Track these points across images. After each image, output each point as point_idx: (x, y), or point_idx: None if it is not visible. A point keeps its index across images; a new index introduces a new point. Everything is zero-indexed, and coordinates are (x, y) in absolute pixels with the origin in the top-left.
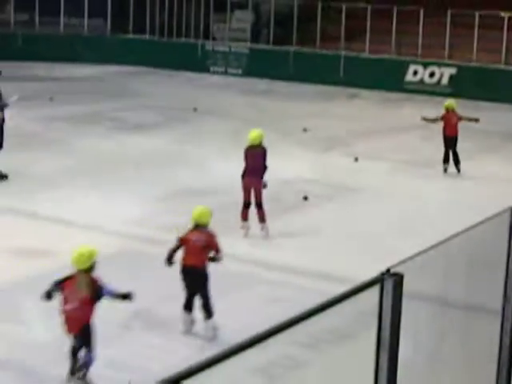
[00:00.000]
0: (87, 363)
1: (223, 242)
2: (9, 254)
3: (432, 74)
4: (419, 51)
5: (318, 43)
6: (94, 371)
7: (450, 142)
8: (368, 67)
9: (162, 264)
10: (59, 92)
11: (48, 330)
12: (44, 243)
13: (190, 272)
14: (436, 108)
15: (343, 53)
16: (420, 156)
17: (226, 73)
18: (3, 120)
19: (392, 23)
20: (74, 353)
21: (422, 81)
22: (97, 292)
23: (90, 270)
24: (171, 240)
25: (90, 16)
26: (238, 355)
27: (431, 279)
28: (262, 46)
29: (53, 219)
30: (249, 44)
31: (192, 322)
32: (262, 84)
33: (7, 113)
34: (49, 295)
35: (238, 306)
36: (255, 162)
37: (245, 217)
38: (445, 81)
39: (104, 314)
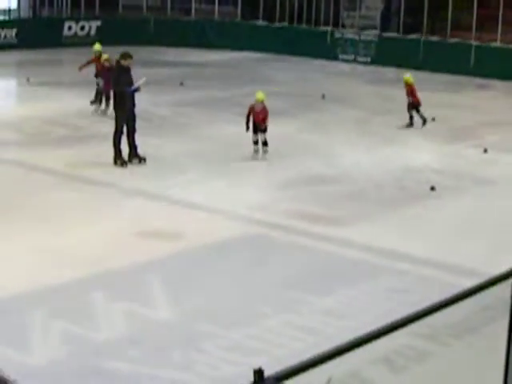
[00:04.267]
0: None
1: (346, 231)
2: (137, 235)
3: None
4: None
5: (448, 32)
6: (217, 354)
7: None
8: (500, 57)
9: (287, 249)
10: (189, 77)
11: (173, 310)
12: (172, 226)
13: None
14: None
15: (474, 42)
16: None
17: (354, 61)
18: (134, 104)
19: None
20: None
21: None
22: None
23: None
24: (295, 226)
25: (220, 2)
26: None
27: None
28: (391, 35)
29: (180, 202)
30: (378, 32)
31: None
32: (390, 72)
33: (138, 97)
34: None
35: (364, 296)
36: None
37: None
38: None
39: (231, 298)
